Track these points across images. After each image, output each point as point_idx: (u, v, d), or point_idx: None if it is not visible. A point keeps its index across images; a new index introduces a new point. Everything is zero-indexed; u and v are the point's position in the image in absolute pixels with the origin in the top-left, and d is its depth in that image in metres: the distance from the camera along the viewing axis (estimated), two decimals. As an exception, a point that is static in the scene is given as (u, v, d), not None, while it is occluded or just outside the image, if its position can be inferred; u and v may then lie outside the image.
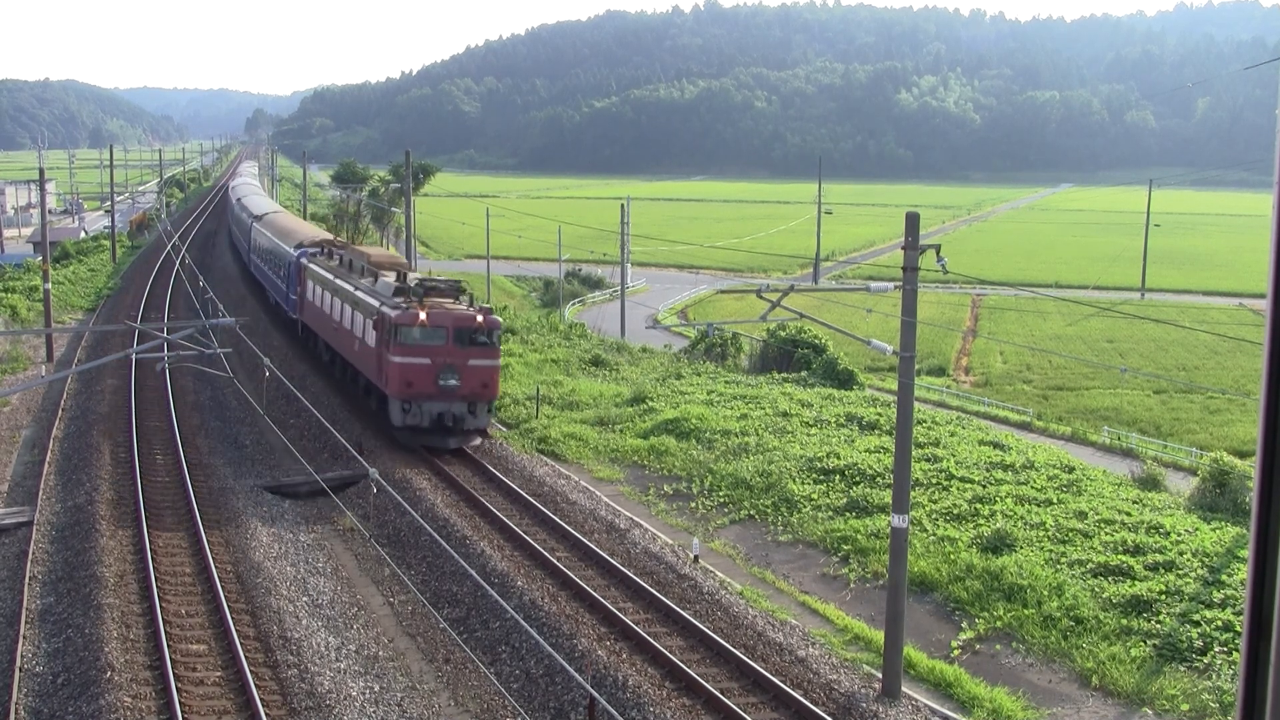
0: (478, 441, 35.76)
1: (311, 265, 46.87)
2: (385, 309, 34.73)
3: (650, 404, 41.69)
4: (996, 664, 22.71)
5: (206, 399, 43.73)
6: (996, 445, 36.78)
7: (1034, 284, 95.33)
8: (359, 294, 38.33)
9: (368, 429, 37.60)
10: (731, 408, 41.17)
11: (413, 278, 38.53)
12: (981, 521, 28.81)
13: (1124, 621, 23.27)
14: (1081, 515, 29.21)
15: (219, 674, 21.36)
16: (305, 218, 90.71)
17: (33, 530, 28.74)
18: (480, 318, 34.49)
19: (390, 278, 38.22)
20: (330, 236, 58.75)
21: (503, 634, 23.28)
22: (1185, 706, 20.50)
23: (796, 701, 20.07)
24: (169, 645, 21.90)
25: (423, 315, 33.82)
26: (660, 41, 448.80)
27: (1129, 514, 29.44)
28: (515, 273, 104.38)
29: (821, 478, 32.63)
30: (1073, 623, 23.39)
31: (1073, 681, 21.78)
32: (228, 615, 23.41)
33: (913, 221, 20.78)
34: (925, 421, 39.77)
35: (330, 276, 43.09)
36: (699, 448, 36.26)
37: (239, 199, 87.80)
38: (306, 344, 49.93)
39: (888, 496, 27.74)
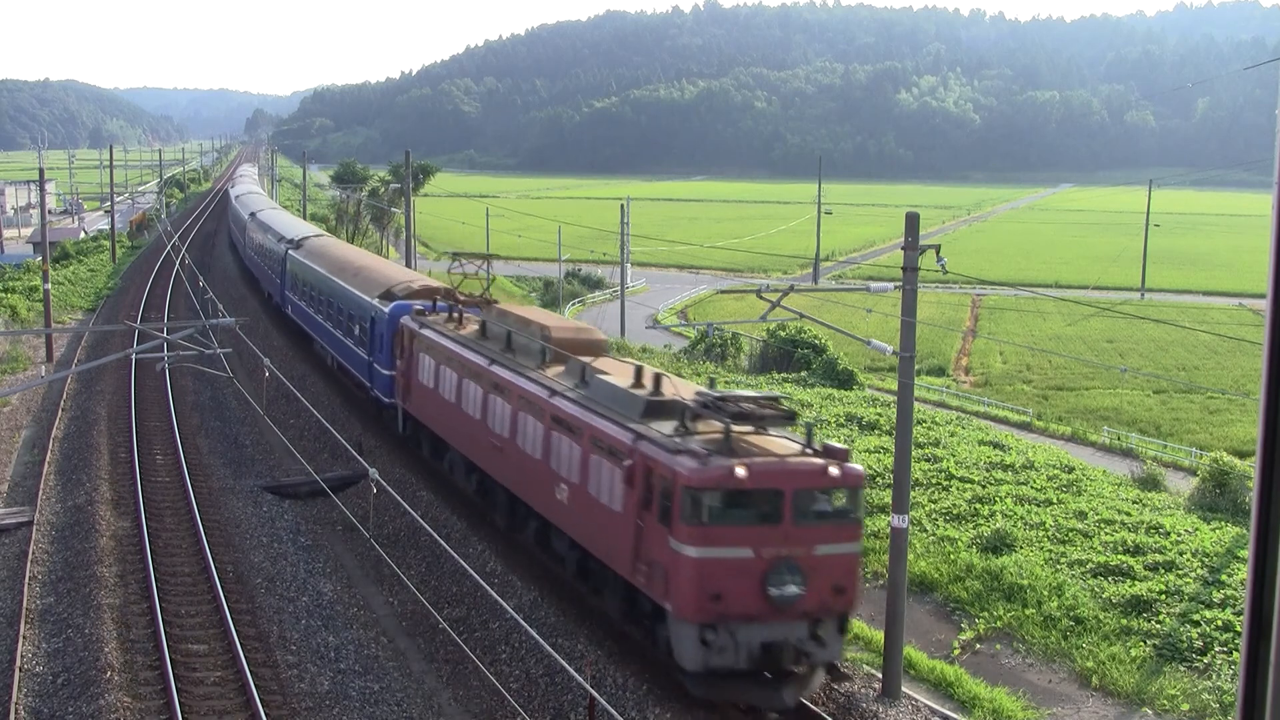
0: (819, 683, 20.23)
1: (427, 332, 31.79)
2: (651, 450, 19.52)
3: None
4: (996, 664, 22.73)
5: (206, 399, 43.75)
6: (996, 445, 36.81)
7: (1034, 284, 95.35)
8: (565, 405, 22.85)
9: (368, 429, 37.56)
10: (731, 408, 41.09)
11: (684, 387, 22.22)
12: (981, 521, 28.83)
13: (1124, 621, 23.29)
14: (1081, 515, 29.24)
15: (219, 674, 21.37)
16: (305, 218, 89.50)
17: (33, 530, 28.76)
18: (835, 469, 19.29)
19: (621, 378, 22.55)
20: (437, 284, 38.52)
21: (503, 634, 23.27)
22: (1185, 706, 20.51)
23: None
24: (169, 645, 21.91)
25: (741, 471, 18.60)
26: (660, 41, 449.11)
27: (1129, 514, 29.47)
28: (515, 273, 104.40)
29: (821, 478, 32.55)
30: (1073, 623, 23.41)
31: (1073, 681, 21.79)
32: (228, 615, 23.41)
33: (912, 221, 20.80)
34: (925, 421, 39.79)
35: (481, 360, 27.67)
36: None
37: (253, 214, 71.16)
38: (416, 445, 33.85)
39: (888, 496, 27.74)
